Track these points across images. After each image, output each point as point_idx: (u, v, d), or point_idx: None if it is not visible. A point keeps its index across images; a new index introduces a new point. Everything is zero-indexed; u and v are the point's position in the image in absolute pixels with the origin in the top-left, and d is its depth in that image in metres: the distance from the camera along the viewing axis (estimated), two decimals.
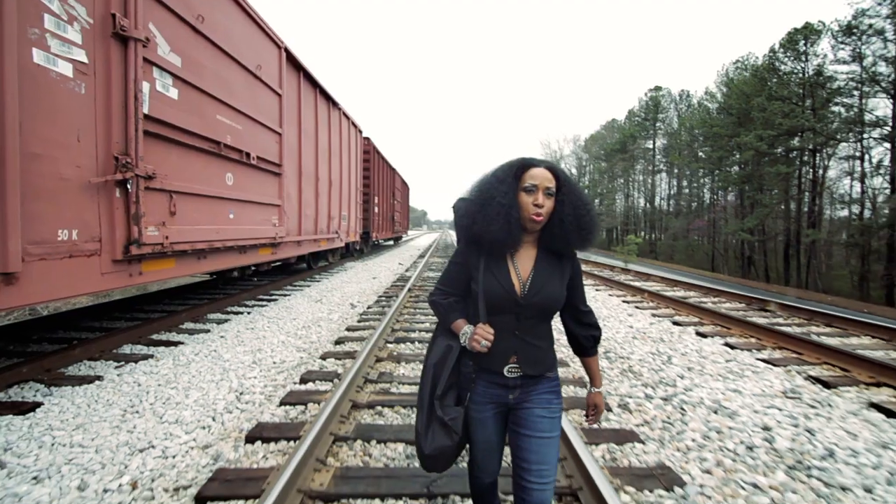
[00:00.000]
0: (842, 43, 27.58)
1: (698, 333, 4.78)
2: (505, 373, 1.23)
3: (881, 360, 3.47)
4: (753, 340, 4.44)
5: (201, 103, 4.24)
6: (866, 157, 28.46)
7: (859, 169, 28.28)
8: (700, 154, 39.53)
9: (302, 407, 2.85)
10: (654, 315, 5.83)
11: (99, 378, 3.34)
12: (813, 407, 2.86)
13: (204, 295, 6.95)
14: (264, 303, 6.60)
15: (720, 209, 37.40)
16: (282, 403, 2.89)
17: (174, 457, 2.28)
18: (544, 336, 1.27)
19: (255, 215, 5.43)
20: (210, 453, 2.31)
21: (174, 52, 3.83)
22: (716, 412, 2.78)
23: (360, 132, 12.21)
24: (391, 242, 25.06)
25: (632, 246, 17.21)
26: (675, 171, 45.70)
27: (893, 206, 24.39)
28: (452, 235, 47.69)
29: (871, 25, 26.16)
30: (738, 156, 33.65)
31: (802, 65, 30.19)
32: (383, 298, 7.02)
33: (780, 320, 5.58)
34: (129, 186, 3.30)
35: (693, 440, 2.44)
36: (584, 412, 2.31)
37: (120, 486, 2.03)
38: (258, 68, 5.43)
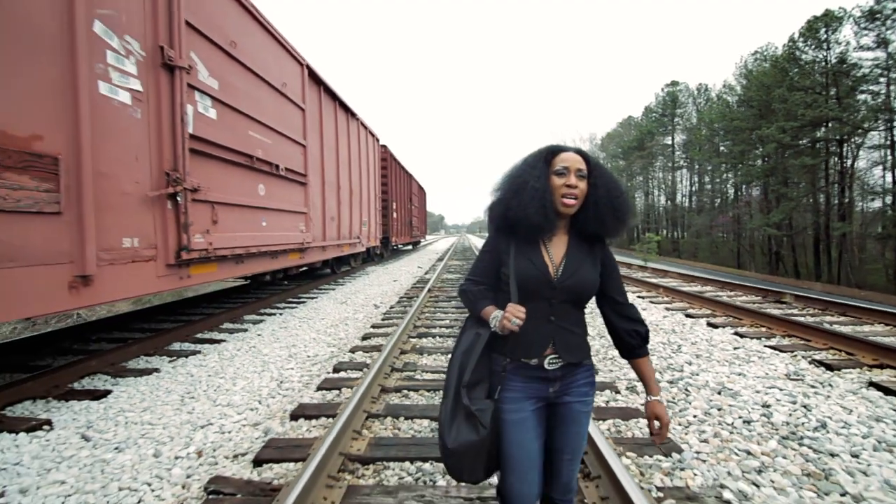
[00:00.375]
0: (865, 29, 26.79)
1: (710, 324, 4.92)
2: (546, 365, 1.19)
3: (886, 344, 3.58)
4: (763, 329, 4.56)
5: (236, 121, 4.66)
6: None
7: (890, 158, 27.32)
8: (721, 148, 38.76)
9: (336, 391, 3.17)
10: (667, 308, 5.97)
11: (157, 370, 3.74)
12: (813, 387, 3.02)
13: (237, 299, 7.40)
14: (294, 305, 7.00)
15: (744, 204, 36.50)
16: (318, 388, 3.22)
17: (230, 432, 2.62)
18: (579, 323, 1.24)
19: (284, 222, 5.83)
20: (260, 429, 2.64)
21: (212, 77, 4.25)
22: (719, 393, 2.97)
23: (378, 140, 12.64)
24: (409, 247, 25.48)
25: (651, 244, 17.13)
26: (696, 166, 44.83)
27: None
28: (471, 239, 47.87)
29: (895, 10, 25.35)
30: (760, 149, 32.87)
31: (824, 53, 29.37)
32: (404, 299, 7.33)
33: (795, 311, 5.64)
34: (178, 199, 3.70)
35: (694, 416, 2.65)
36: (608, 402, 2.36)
37: (188, 454, 2.37)
38: (283, 86, 5.85)
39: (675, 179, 47.93)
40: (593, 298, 1.29)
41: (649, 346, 4.24)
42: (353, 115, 9.57)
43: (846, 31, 29.30)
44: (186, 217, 3.76)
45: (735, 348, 3.95)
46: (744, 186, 38.41)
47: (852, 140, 28.97)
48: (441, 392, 3.10)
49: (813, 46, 30.44)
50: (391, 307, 6.66)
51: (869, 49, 27.12)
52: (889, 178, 28.22)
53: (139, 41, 3.40)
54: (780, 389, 2.95)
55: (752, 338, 4.28)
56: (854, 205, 30.46)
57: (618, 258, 1.22)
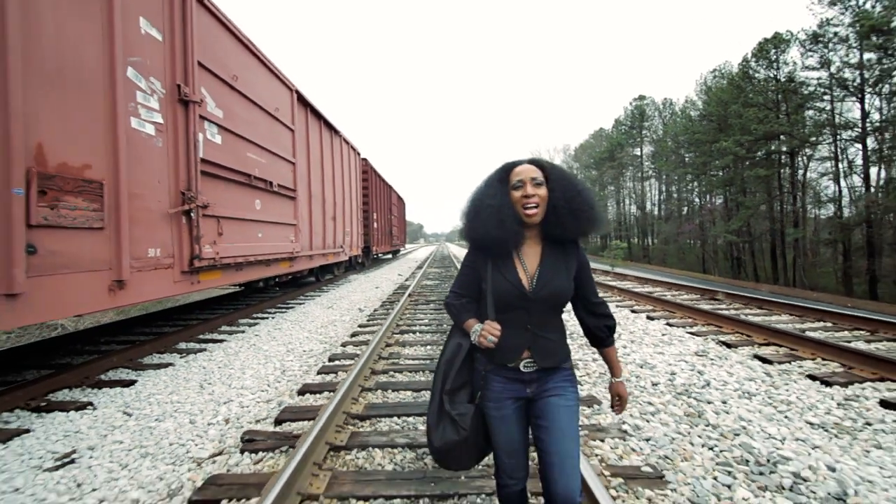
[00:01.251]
0: (810, 50, 29.11)
1: (648, 317, 5.77)
2: (521, 368, 1.27)
3: (777, 327, 4.46)
4: (689, 320, 5.44)
5: (237, 144, 5.26)
6: (842, 157, 29.82)
7: (834, 170, 29.64)
8: (687, 158, 40.87)
9: (333, 375, 3.79)
10: (617, 306, 6.82)
11: (171, 364, 4.27)
12: (712, 360, 3.83)
13: (230, 305, 7.87)
14: (284, 310, 7.53)
15: (707, 212, 38.63)
16: (318, 373, 3.84)
17: (248, 406, 3.22)
18: (556, 329, 1.31)
19: (276, 234, 6.41)
20: (273, 403, 3.25)
21: (218, 107, 4.86)
22: (641, 367, 3.75)
23: (359, 154, 13.28)
24: (389, 256, 26.01)
25: (617, 251, 18.23)
26: (664, 176, 47.03)
27: (867, 204, 25.58)
28: (450, 248, 48.62)
29: (836, 33, 27.66)
30: (719, 161, 34.99)
31: (774, 72, 31.69)
32: (387, 303, 7.96)
33: (722, 306, 6.59)
34: (192, 214, 4.28)
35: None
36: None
37: (217, 421, 2.96)
38: (276, 110, 6.47)
39: (644, 189, 50.08)
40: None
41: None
42: (336, 132, 10.21)
43: (794, 52, 31.68)
44: (198, 230, 4.34)
45: (663, 335, 4.78)
46: (707, 196, 40.61)
47: (803, 152, 31.25)
48: (417, 374, 3.76)
49: (764, 66, 32.78)
50: (375, 310, 7.28)
51: (814, 69, 29.43)
52: (836, 187, 30.52)
53: (161, 81, 4.00)
54: (686, 362, 3.76)
55: (678, 327, 5.13)
56: (807, 212, 32.75)
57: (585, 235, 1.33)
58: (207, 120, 4.62)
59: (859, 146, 27.33)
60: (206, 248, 4.47)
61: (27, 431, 2.87)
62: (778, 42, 31.78)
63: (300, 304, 8.22)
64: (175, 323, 6.41)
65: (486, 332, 1.23)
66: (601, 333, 1.37)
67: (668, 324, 5.32)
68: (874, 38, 24.97)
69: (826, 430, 2.51)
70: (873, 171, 27.48)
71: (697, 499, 1.89)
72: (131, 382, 3.75)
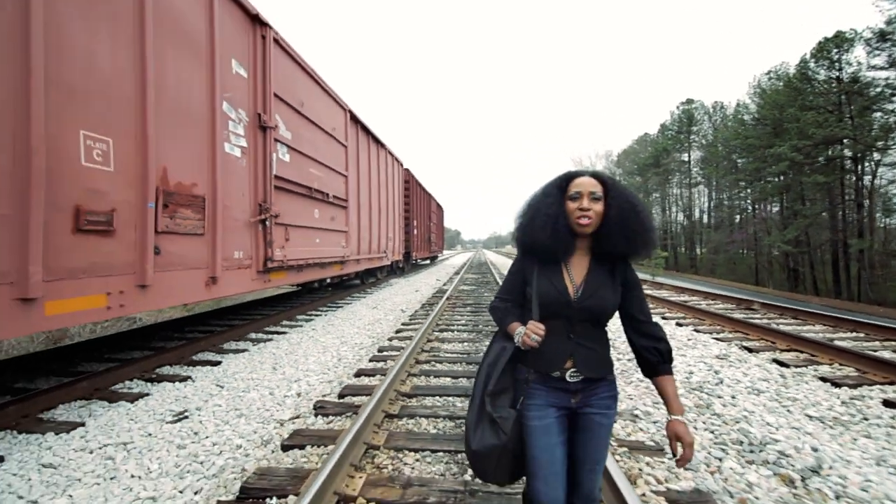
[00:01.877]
0: (877, 49, 27.26)
1: (678, 324, 5.98)
2: (567, 377, 1.26)
3: (803, 336, 4.59)
4: (717, 327, 5.60)
5: (301, 162, 6.02)
6: None
7: None
8: (739, 164, 39.09)
9: (383, 363, 4.37)
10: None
11: (246, 350, 5.03)
12: (730, 363, 4.07)
13: (286, 304, 8.74)
14: (334, 308, 8.28)
15: (760, 221, 36.71)
16: (370, 361, 4.43)
17: (314, 384, 3.84)
18: (599, 340, 1.31)
19: (331, 239, 7.16)
20: (335, 382, 3.86)
21: (287, 130, 5.63)
22: None
23: (401, 165, 14.06)
24: (427, 261, 26.77)
25: (658, 260, 17.95)
26: (714, 183, 45.13)
27: None
28: (487, 255, 48.85)
29: None
30: (774, 167, 33.28)
31: (837, 73, 29.87)
32: (426, 306, 8.53)
33: (756, 316, 6.63)
34: (266, 223, 5.03)
35: (639, 379, 3.74)
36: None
37: (292, 394, 3.60)
38: (333, 129, 7.25)
39: (691, 196, 48.19)
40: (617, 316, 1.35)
41: (623, 340, 5.25)
42: (381, 145, 10.98)
43: (859, 52, 29.72)
44: (271, 236, 5.08)
45: (688, 339, 5.01)
46: (761, 203, 38.57)
47: (870, 157, 29.18)
48: (457, 369, 4.25)
49: (825, 66, 30.97)
50: (416, 311, 7.86)
51: (882, 69, 27.51)
52: None
53: (245, 111, 4.78)
54: (706, 364, 4.02)
55: (705, 333, 5.33)
56: (875, 221, 30.46)
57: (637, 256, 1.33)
58: (279, 142, 5.39)
59: None
60: (277, 251, 5.22)
61: (147, 395, 3.63)
62: (840, 41, 29.96)
63: (348, 303, 8.96)
64: (242, 317, 7.28)
65: (530, 331, 1.24)
66: (651, 357, 1.29)
67: (695, 330, 5.52)
68: None
69: (822, 422, 2.78)
70: None
71: (689, 465, 2.27)
72: (217, 363, 4.51)
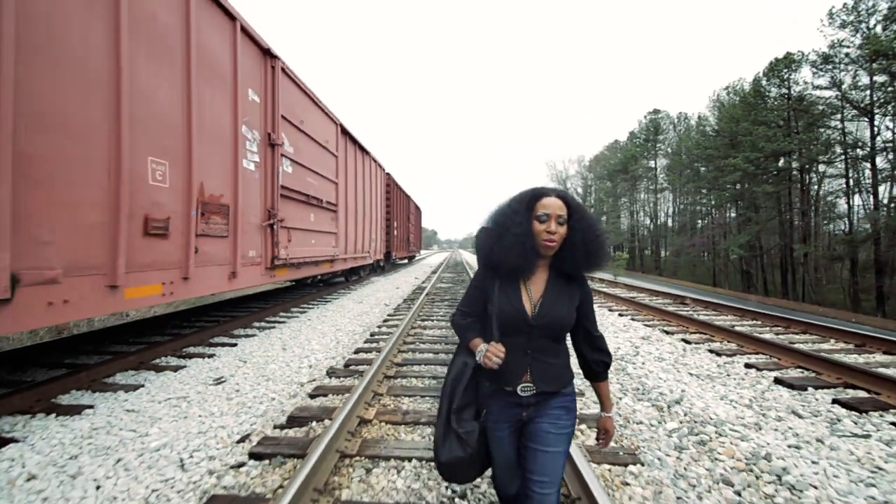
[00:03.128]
0: (821, 70, 29.83)
1: (619, 315, 7.16)
2: (519, 391, 1.32)
3: (711, 322, 5.82)
4: (649, 317, 6.81)
5: (300, 172, 6.86)
6: (852, 175, 30.41)
7: (844, 187, 30.23)
8: (702, 171, 41.46)
9: (376, 343, 5.30)
10: (598, 307, 8.22)
11: (255, 335, 5.85)
12: (650, 342, 5.21)
13: (279, 299, 9.50)
14: (323, 303, 9.11)
15: (717, 226, 39.29)
16: (365, 342, 5.35)
17: (321, 360, 4.73)
18: (558, 354, 1.36)
19: (323, 240, 8.00)
20: (338, 358, 4.76)
21: (290, 145, 6.47)
22: None
23: (383, 169, 14.93)
24: (406, 261, 27.64)
25: (620, 261, 19.44)
26: (678, 189, 47.65)
27: (873, 221, 26.13)
28: (463, 255, 50.05)
29: (847, 55, 28.37)
30: (730, 176, 35.72)
31: (785, 91, 32.41)
32: (408, 300, 9.46)
33: (686, 308, 7.92)
34: (274, 226, 5.87)
35: None
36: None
37: (304, 366, 4.48)
38: (326, 141, 8.09)
39: (657, 201, 50.71)
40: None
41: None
42: (366, 152, 11.84)
43: (805, 72, 32.39)
44: (277, 237, 5.92)
45: (624, 326, 6.17)
46: (719, 209, 41.16)
47: (815, 170, 31.83)
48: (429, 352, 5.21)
49: (776, 84, 33.49)
50: (398, 305, 8.78)
51: (825, 88, 30.09)
52: (849, 203, 31.02)
53: (258, 131, 5.61)
54: (631, 343, 5.15)
55: (638, 321, 6.52)
56: (820, 228, 33.21)
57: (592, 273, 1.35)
58: (284, 156, 6.23)
59: (867, 164, 27.94)
60: (281, 251, 6.06)
61: (185, 367, 4.44)
62: (790, 62, 32.47)
63: (336, 298, 9.80)
64: (244, 309, 8.03)
65: (490, 353, 1.28)
66: (597, 368, 1.42)
67: (632, 319, 6.71)
68: (882, 62, 25.64)
69: (698, 378, 3.90)
70: (883, 188, 28.07)
71: (596, 405, 3.32)
72: (234, 344, 5.33)
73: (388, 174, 16.92)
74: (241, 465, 2.47)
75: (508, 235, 1.31)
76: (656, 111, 50.87)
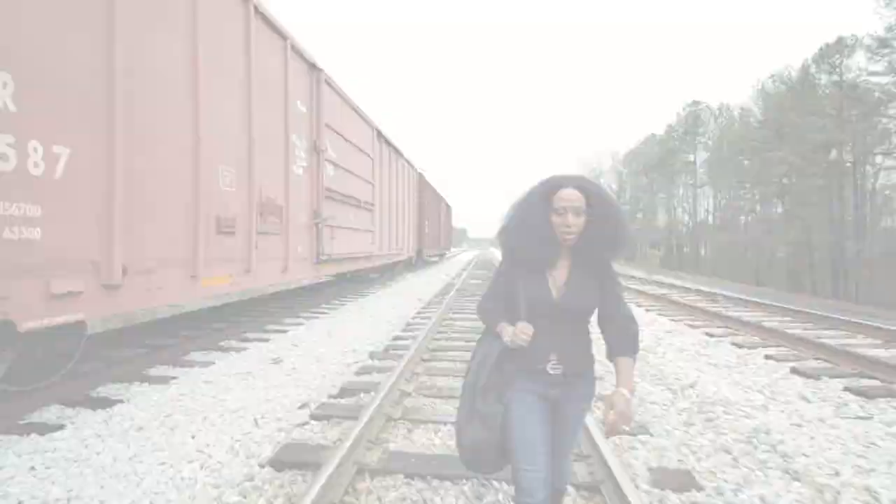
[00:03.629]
0: (877, 55, 27.92)
1: (646, 310, 7.32)
2: (549, 370, 1.37)
3: (739, 318, 5.91)
4: (676, 312, 6.94)
5: (342, 175, 7.43)
6: None
7: None
8: (745, 164, 39.57)
9: (412, 332, 5.77)
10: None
11: (302, 324, 6.46)
12: (674, 335, 5.40)
13: (321, 294, 10.19)
14: (362, 297, 9.71)
15: (762, 222, 37.50)
16: (402, 331, 5.83)
17: (364, 345, 5.22)
18: (581, 336, 1.42)
19: (362, 238, 8.57)
20: (378, 343, 5.25)
21: (332, 150, 7.04)
22: None
23: (415, 170, 15.47)
24: (436, 259, 28.20)
25: (653, 259, 19.15)
26: (719, 184, 45.73)
27: None
28: (494, 253, 50.24)
29: None
30: (775, 169, 34.03)
31: (837, 77, 30.51)
32: (439, 295, 9.92)
33: (715, 305, 7.97)
34: (319, 225, 6.45)
35: None
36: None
37: (348, 350, 4.99)
38: (363, 145, 8.65)
39: (696, 196, 48.82)
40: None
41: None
42: (400, 154, 12.38)
43: (859, 57, 30.38)
44: (322, 236, 6.50)
45: (651, 321, 6.35)
46: (764, 205, 39.16)
47: (871, 161, 29.88)
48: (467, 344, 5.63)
49: (826, 71, 31.58)
50: (431, 300, 9.25)
51: (882, 74, 28.13)
52: None
53: (306, 140, 6.19)
54: (655, 335, 5.36)
55: (664, 315, 6.68)
56: (877, 224, 31.14)
57: (624, 271, 1.59)
58: (328, 161, 6.80)
59: None
60: (325, 247, 6.64)
61: (245, 349, 5.05)
62: (842, 47, 30.57)
63: (372, 293, 10.39)
64: (293, 303, 8.73)
65: (519, 331, 1.34)
66: (626, 336, 1.40)
67: (659, 314, 6.87)
68: None
69: (716, 367, 4.11)
70: None
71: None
72: (285, 332, 5.94)
73: (419, 174, 17.46)
74: (305, 423, 2.97)
75: (525, 227, 1.39)
76: (696, 102, 48.87)
